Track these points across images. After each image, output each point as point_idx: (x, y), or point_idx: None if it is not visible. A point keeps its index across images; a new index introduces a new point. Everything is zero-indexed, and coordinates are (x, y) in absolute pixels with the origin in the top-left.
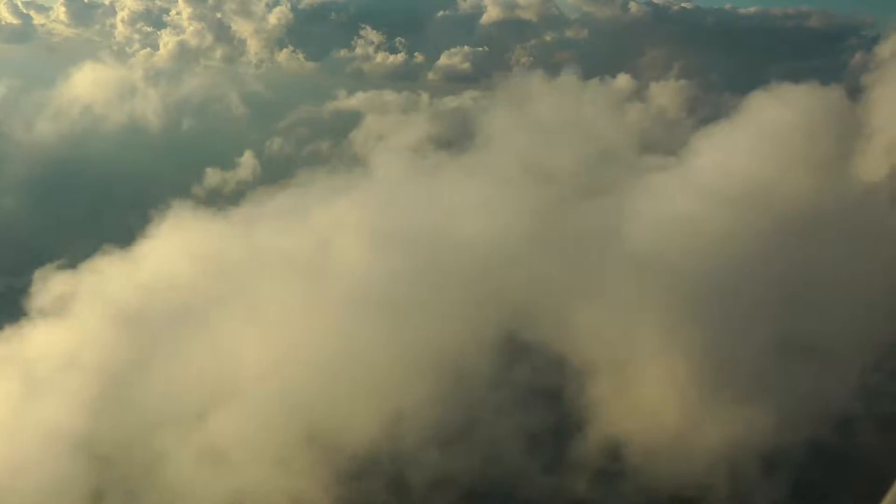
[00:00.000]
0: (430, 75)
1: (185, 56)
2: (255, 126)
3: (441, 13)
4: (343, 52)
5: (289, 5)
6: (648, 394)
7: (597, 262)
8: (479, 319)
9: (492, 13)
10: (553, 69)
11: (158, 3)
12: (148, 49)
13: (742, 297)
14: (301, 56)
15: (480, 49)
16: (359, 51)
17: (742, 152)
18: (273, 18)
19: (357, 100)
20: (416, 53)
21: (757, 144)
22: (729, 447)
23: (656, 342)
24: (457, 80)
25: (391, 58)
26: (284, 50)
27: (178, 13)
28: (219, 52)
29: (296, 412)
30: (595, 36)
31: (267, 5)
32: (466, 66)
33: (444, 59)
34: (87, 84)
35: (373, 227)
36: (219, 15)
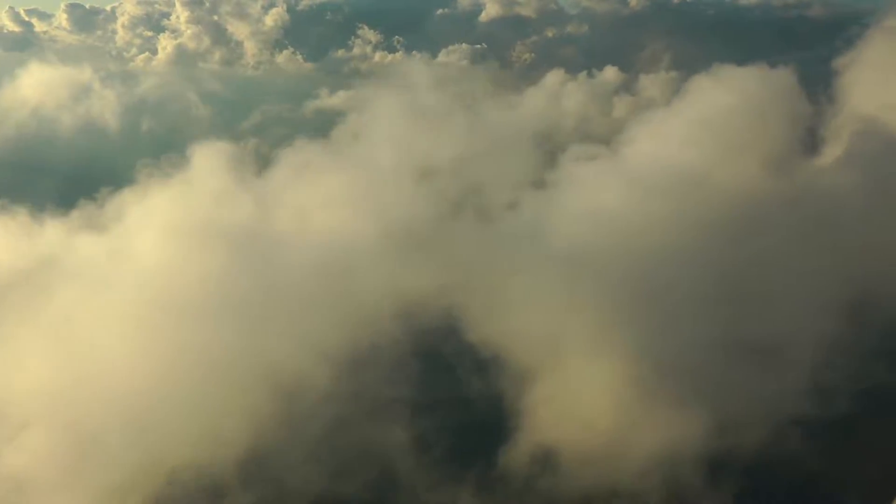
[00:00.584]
0: None
1: (184, 59)
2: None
3: (440, 11)
4: (341, 52)
5: (285, 6)
6: (582, 397)
7: (522, 259)
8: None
9: (490, 10)
10: (554, 65)
11: (159, 8)
12: (147, 53)
13: (683, 293)
14: (300, 57)
15: (479, 46)
16: (356, 50)
17: (679, 139)
18: (269, 20)
19: (339, 98)
20: (413, 52)
21: (695, 131)
22: (668, 452)
23: (590, 343)
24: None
25: (389, 57)
26: (284, 52)
27: (177, 17)
28: (217, 55)
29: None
30: (596, 30)
31: (263, 7)
32: (465, 63)
33: (442, 57)
34: (35, 85)
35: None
36: (216, 17)
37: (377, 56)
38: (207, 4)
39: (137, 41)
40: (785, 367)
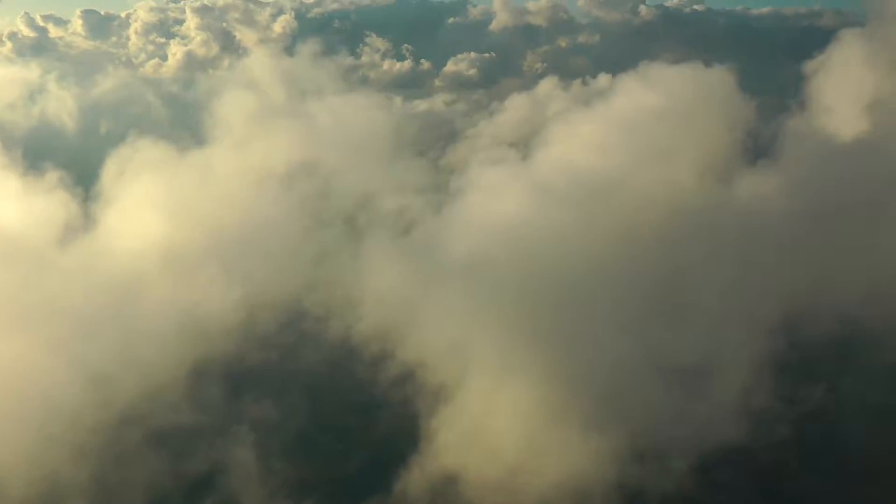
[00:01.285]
0: (437, 82)
1: (193, 66)
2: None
3: (451, 20)
4: (349, 60)
5: (293, 14)
6: (488, 419)
7: (424, 270)
8: None
9: (501, 19)
10: (566, 74)
11: (172, 15)
12: (156, 59)
13: (601, 309)
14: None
15: (487, 55)
16: (365, 58)
17: (597, 143)
18: (278, 27)
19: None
20: (422, 60)
21: (615, 134)
22: (579, 481)
23: (498, 362)
24: (463, 87)
25: (398, 65)
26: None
27: (187, 24)
28: (226, 62)
29: None
30: (606, 40)
31: (271, 15)
32: (473, 72)
33: (450, 66)
34: None
35: None
36: (224, 24)
37: (385, 64)
38: (217, 11)
39: (150, 48)
40: (713, 388)
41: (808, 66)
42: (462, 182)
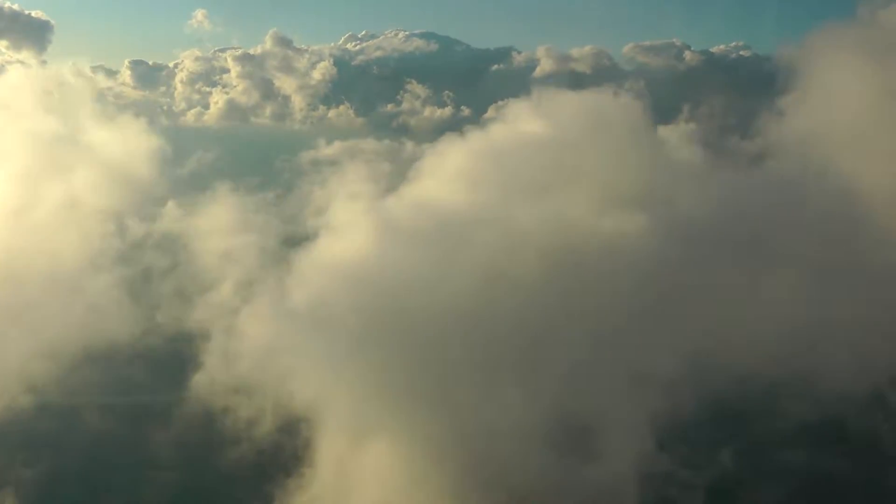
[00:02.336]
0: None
1: (234, 114)
2: None
3: (495, 67)
4: (390, 107)
5: (331, 60)
6: (342, 484)
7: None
8: None
9: (545, 66)
10: None
11: (217, 64)
12: (198, 108)
13: (469, 361)
14: (351, 112)
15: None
16: (405, 105)
17: (471, 177)
18: (317, 74)
19: (333, 149)
20: (462, 107)
21: (494, 166)
22: None
23: (353, 421)
24: None
25: (438, 111)
26: (334, 106)
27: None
28: (268, 110)
29: None
30: (651, 86)
31: (310, 62)
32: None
33: (491, 112)
34: None
35: None
36: (265, 72)
37: (427, 111)
38: (257, 59)
39: (196, 96)
40: (604, 452)
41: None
42: (321, 222)
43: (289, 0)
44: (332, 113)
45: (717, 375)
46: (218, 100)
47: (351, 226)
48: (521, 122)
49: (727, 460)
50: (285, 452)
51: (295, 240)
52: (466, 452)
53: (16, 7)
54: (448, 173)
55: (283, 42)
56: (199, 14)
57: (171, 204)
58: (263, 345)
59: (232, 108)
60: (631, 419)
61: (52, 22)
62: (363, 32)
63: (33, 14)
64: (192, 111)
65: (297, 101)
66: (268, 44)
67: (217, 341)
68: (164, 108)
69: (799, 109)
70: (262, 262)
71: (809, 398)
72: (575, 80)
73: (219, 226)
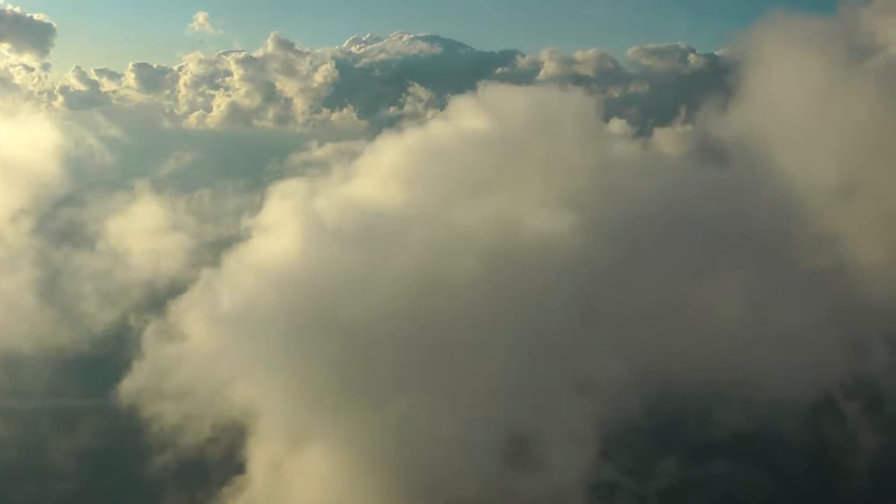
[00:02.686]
0: None
1: (237, 117)
2: None
3: (498, 70)
4: (392, 110)
5: (333, 63)
6: (277, 491)
7: None
8: None
9: (548, 69)
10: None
11: (221, 67)
12: (200, 111)
13: (407, 365)
14: (354, 115)
15: None
16: (408, 108)
17: (406, 175)
18: (318, 77)
19: (325, 151)
20: None
21: (433, 164)
22: None
23: (287, 427)
24: None
25: (441, 114)
26: (335, 109)
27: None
28: (270, 113)
29: None
30: (655, 89)
31: (312, 64)
32: None
33: None
34: None
35: None
36: (266, 75)
37: (429, 113)
38: (259, 62)
39: (200, 99)
40: (546, 461)
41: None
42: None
43: (293, 3)
44: (334, 116)
45: (660, 381)
46: (220, 103)
47: (281, 226)
48: (464, 119)
49: (672, 468)
50: (217, 460)
51: (228, 241)
52: (404, 460)
53: (17, 10)
54: (386, 171)
55: (285, 45)
56: (201, 17)
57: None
58: (191, 348)
59: (234, 112)
60: (574, 426)
61: (54, 25)
62: (367, 35)
63: (35, 17)
64: (195, 114)
65: (300, 104)
66: (269, 46)
67: (142, 344)
68: (166, 111)
69: (745, 105)
70: (191, 263)
71: (750, 404)
72: (579, 83)
73: (150, 226)
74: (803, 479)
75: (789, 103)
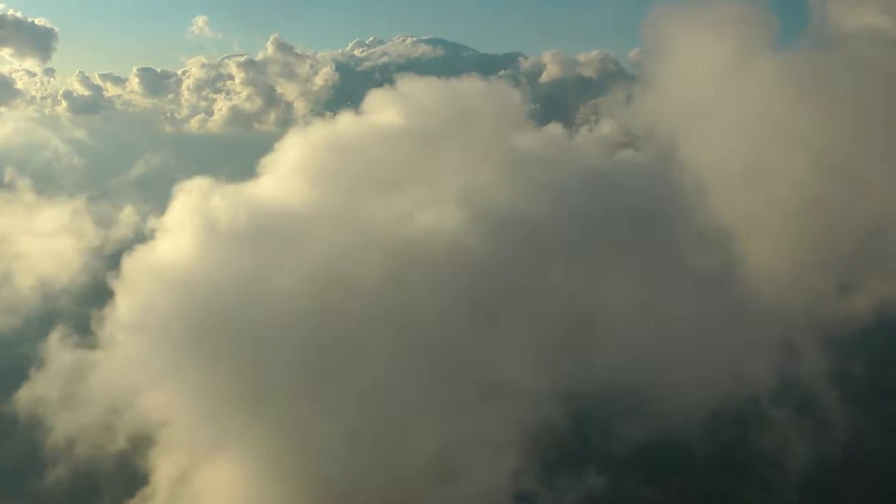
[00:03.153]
0: None
1: (239, 120)
2: None
3: (501, 72)
4: None
5: (333, 66)
6: None
7: None
8: None
9: (551, 71)
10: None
11: (224, 71)
12: (202, 115)
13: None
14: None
15: (534, 107)
16: None
17: (313, 172)
18: (319, 80)
19: None
20: None
21: (343, 160)
22: None
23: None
24: None
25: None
26: (336, 113)
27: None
28: (272, 116)
29: None
30: None
31: (311, 67)
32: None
33: None
34: None
35: None
36: (267, 78)
37: None
38: (259, 65)
39: (203, 103)
40: (461, 471)
41: None
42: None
43: (295, 8)
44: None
45: (572, 388)
46: (222, 107)
47: (181, 227)
48: (377, 113)
49: (593, 479)
50: (118, 471)
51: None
52: (313, 469)
53: (19, 14)
54: (291, 168)
55: (285, 48)
56: (201, 20)
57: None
58: (93, 357)
59: (236, 115)
60: (489, 434)
61: (56, 30)
62: (370, 38)
63: (36, 21)
64: (196, 118)
65: (300, 107)
66: (269, 50)
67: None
68: (168, 115)
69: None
70: (94, 268)
71: (661, 414)
72: (581, 85)
73: (51, 231)
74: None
75: (695, 93)
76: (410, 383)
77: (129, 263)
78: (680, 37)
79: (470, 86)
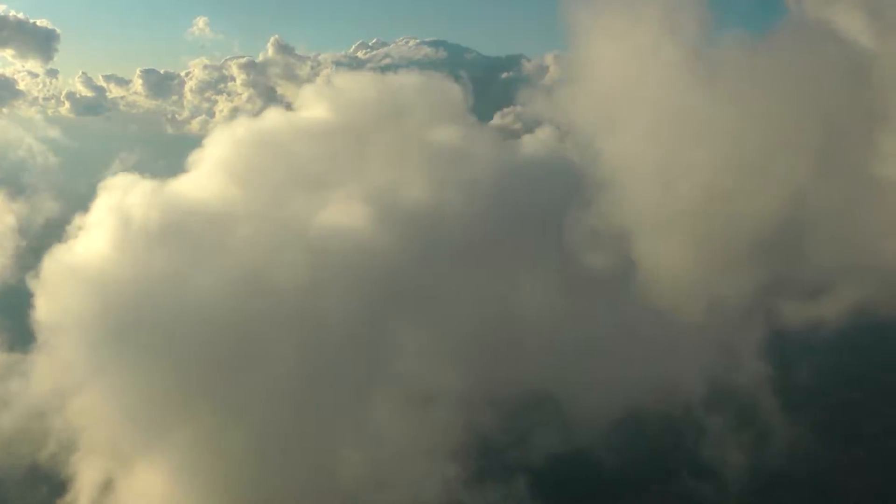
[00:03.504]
0: None
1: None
2: None
3: (504, 74)
4: None
5: (333, 67)
6: None
7: None
8: None
9: (554, 73)
10: None
11: (227, 73)
12: (203, 116)
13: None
14: None
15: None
16: None
17: (236, 169)
18: (319, 81)
19: None
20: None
21: (269, 158)
22: None
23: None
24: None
25: None
26: None
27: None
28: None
29: None
30: None
31: (312, 68)
32: (518, 125)
33: (496, 120)
34: None
35: None
36: (268, 80)
37: None
38: (260, 67)
39: (205, 105)
40: (390, 480)
41: None
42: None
43: (300, 10)
44: None
45: (500, 391)
46: (223, 108)
47: (100, 226)
48: (307, 109)
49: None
50: (36, 479)
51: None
52: (230, 474)
53: (20, 16)
54: (215, 165)
55: (285, 49)
56: (201, 21)
57: None
58: (11, 360)
59: (236, 116)
60: (418, 438)
61: (58, 31)
62: (374, 41)
63: (38, 23)
64: (197, 119)
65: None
66: (270, 51)
67: None
68: (169, 116)
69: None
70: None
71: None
72: None
73: None
74: None
75: (614, 87)
76: (322, 386)
77: (48, 263)
78: (601, 27)
79: (406, 80)
